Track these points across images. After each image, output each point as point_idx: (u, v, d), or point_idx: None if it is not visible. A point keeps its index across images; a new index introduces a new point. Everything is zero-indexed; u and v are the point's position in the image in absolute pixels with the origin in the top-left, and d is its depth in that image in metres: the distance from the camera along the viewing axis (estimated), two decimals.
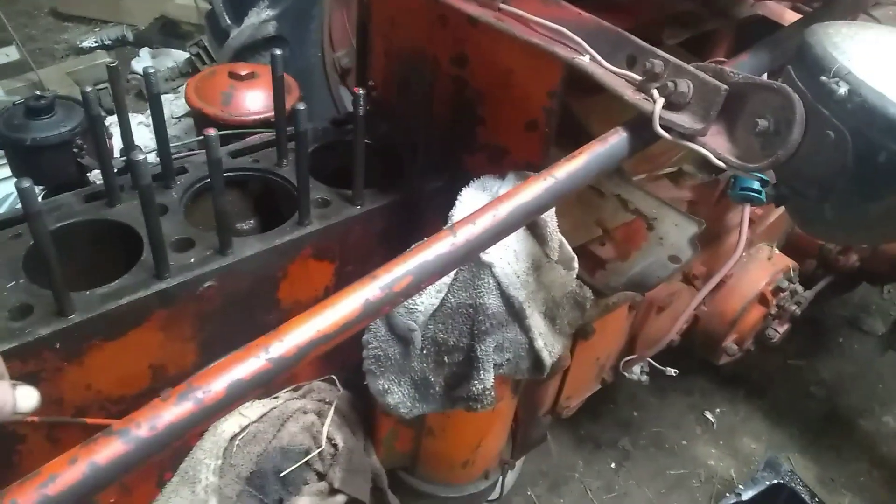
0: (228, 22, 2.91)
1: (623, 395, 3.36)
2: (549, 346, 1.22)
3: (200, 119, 1.67)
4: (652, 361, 1.97)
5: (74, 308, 1.08)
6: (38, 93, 1.36)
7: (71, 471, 0.58)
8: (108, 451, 0.59)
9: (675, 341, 2.12)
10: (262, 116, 1.65)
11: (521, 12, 1.09)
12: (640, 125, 0.90)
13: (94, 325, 1.10)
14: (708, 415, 3.27)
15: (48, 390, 1.12)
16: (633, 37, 0.98)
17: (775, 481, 2.38)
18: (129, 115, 1.29)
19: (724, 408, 3.32)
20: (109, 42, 4.82)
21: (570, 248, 1.28)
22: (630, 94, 0.93)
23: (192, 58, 4.26)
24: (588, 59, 1.00)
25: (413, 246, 0.77)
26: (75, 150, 1.36)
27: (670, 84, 0.88)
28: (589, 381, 1.94)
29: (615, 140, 0.89)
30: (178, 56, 4.34)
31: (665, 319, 2.00)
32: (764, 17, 1.63)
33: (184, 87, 3.44)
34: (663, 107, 0.88)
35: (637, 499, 2.94)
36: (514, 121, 1.28)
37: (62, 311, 1.07)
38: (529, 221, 0.95)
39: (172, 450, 1.33)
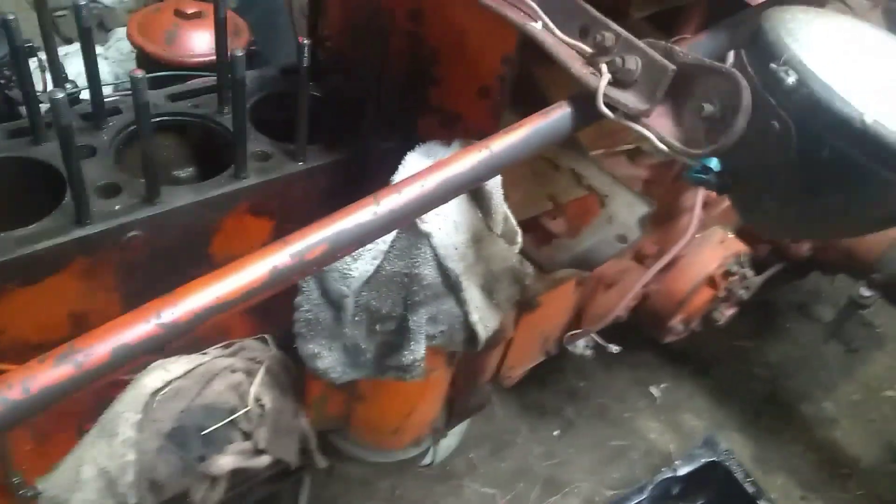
0: None
1: (571, 365, 3.39)
2: (484, 320, 1.20)
3: (142, 57, 1.59)
4: (596, 337, 1.98)
5: None
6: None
7: None
8: None
9: (623, 317, 2.13)
10: (206, 59, 1.57)
11: None
12: (584, 101, 0.86)
13: (8, 268, 1.04)
14: (652, 389, 3.33)
15: None
16: (587, 6, 0.93)
17: (711, 458, 2.43)
18: (93, 46, 1.21)
19: (669, 384, 3.37)
20: None
21: (514, 223, 1.25)
22: (577, 67, 0.89)
23: None
24: (540, 26, 0.95)
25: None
26: (2, 81, 1.28)
27: (618, 60, 0.85)
28: (532, 353, 1.94)
29: (558, 115, 0.85)
30: None
31: (613, 296, 2.00)
32: None
33: None
34: (609, 83, 0.85)
35: (577, 467, 2.99)
36: (467, 85, 1.23)
37: None
38: (461, 194, 0.92)
39: (94, 399, 1.30)
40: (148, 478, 1.21)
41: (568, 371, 3.38)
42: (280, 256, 0.68)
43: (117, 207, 1.14)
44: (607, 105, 0.85)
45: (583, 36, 0.95)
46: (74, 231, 1.09)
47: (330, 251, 0.70)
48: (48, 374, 0.57)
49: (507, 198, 1.23)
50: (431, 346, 1.19)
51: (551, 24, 0.96)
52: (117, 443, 1.18)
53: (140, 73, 1.00)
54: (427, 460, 1.70)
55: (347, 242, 0.71)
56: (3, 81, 1.28)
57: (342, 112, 1.46)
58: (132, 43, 1.58)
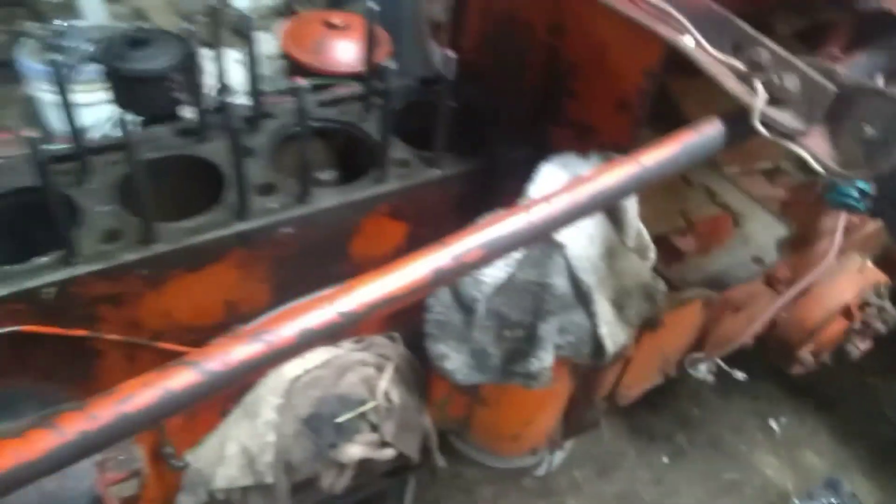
0: None
1: (685, 391, 3.28)
2: (613, 334, 1.20)
3: (292, 64, 1.70)
4: (720, 362, 1.91)
5: (160, 238, 1.14)
6: (139, 24, 1.41)
7: (146, 393, 0.61)
8: (181, 379, 0.62)
9: (748, 344, 2.04)
10: (352, 68, 1.66)
11: None
12: (738, 118, 0.86)
13: (176, 256, 1.16)
14: (772, 423, 3.17)
15: (129, 313, 1.19)
16: (741, 22, 0.92)
17: (833, 501, 2.29)
18: (226, 51, 1.32)
19: (790, 418, 3.20)
20: None
21: (648, 238, 1.24)
22: (731, 84, 0.88)
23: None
24: (691, 42, 0.95)
25: (485, 217, 0.77)
26: (171, 84, 1.41)
27: (775, 78, 0.84)
28: (651, 373, 1.91)
29: (710, 131, 0.85)
30: None
31: (740, 320, 1.92)
32: (890, 13, 1.50)
33: (277, 25, 3.48)
34: (765, 101, 0.84)
35: (686, 496, 2.89)
36: (605, 98, 1.25)
37: (149, 239, 1.13)
38: (608, 207, 0.93)
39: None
40: (284, 459, 1.29)
41: (681, 396, 3.27)
42: (442, 257, 0.72)
43: (273, 205, 1.24)
44: (763, 123, 0.84)
45: (735, 52, 0.94)
46: (236, 225, 1.19)
47: (485, 255, 0.74)
48: (243, 349, 0.64)
49: (639, 211, 1.23)
50: (558, 356, 1.20)
51: (703, 40, 0.96)
52: (259, 424, 1.26)
53: (304, 83, 1.08)
54: (541, 471, 1.70)
55: (501, 248, 0.75)
56: (172, 85, 1.41)
57: (475, 122, 1.51)
58: (284, 51, 1.70)
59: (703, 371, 1.93)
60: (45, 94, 3.28)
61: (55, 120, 3.34)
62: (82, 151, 1.21)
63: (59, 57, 3.23)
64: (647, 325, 1.67)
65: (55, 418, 0.59)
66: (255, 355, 0.64)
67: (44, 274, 1.08)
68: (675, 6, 0.99)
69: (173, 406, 0.62)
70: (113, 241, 1.14)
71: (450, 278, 0.73)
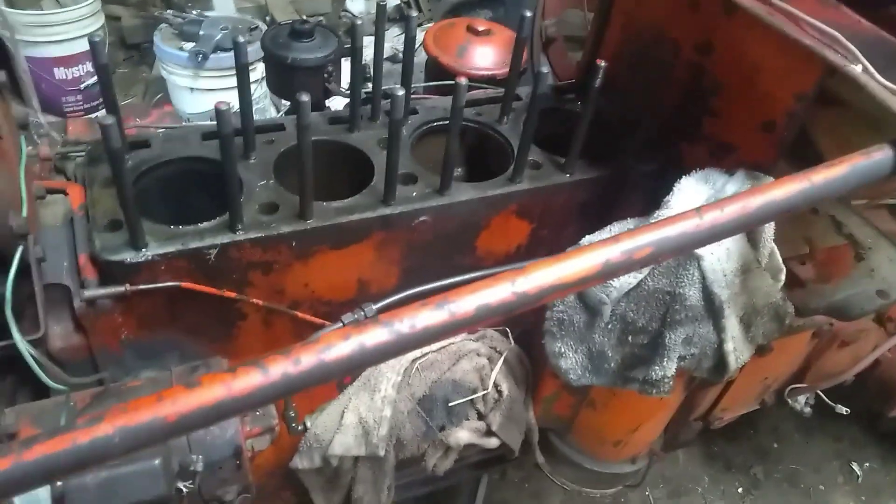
0: None
1: (765, 424, 3.22)
2: (738, 350, 1.21)
3: (434, 66, 1.78)
4: (822, 395, 1.88)
5: (313, 215, 1.22)
6: (304, 17, 1.51)
7: (344, 344, 0.67)
8: (374, 336, 0.68)
9: (848, 381, 2.00)
10: (490, 72, 1.72)
11: (793, 10, 1.06)
12: None
13: (325, 232, 1.24)
14: (855, 466, 3.07)
15: (276, 280, 1.28)
16: None
17: None
18: (413, 55, 1.40)
19: (875, 464, 3.09)
20: None
21: (780, 259, 1.25)
22: None
23: (402, 4, 4.44)
24: (860, 69, 0.96)
25: (656, 217, 0.80)
26: (325, 74, 1.50)
27: None
28: (749, 399, 1.89)
29: (879, 156, 0.86)
30: (388, 1, 4.53)
31: (846, 356, 1.89)
32: None
33: (390, 30, 3.58)
34: None
35: None
36: (749, 119, 1.26)
37: (303, 214, 1.21)
38: (774, 220, 0.95)
39: None
40: (396, 435, 1.35)
41: (761, 429, 3.20)
42: (613, 251, 0.76)
43: (414, 194, 1.30)
44: None
45: None
46: (381, 209, 1.26)
47: (654, 253, 0.77)
48: (429, 315, 0.69)
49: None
50: (680, 367, 1.22)
51: (871, 68, 0.97)
52: (378, 398, 1.33)
53: (463, 80, 1.14)
54: (634, 481, 1.72)
55: (670, 248, 0.78)
56: (325, 75, 1.50)
57: (607, 132, 1.54)
58: (428, 53, 1.78)
59: (801, 403, 1.90)
60: (176, 77, 3.49)
61: (182, 101, 3.56)
62: (248, 129, 1.30)
63: (192, 44, 3.44)
64: (758, 350, 1.67)
65: (264, 359, 0.66)
66: (438, 322, 0.70)
67: (208, 236, 1.17)
68: (844, 33, 1.00)
69: (366, 359, 0.68)
70: (270, 213, 1.22)
71: (618, 271, 0.77)
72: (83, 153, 1.31)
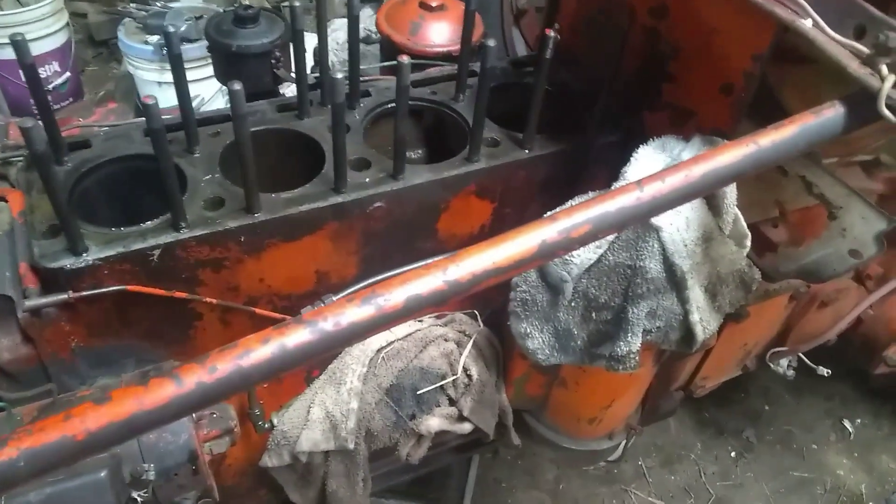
0: None
1: (755, 387, 3.22)
2: (704, 321, 1.18)
3: (387, 45, 1.73)
4: (802, 357, 1.86)
5: (260, 208, 1.18)
6: (246, 2, 1.46)
7: (263, 349, 0.64)
8: (296, 337, 0.65)
9: (831, 341, 1.98)
10: (444, 49, 1.67)
11: None
12: (860, 102, 0.83)
13: (275, 225, 1.20)
14: (846, 423, 3.08)
15: (228, 278, 1.24)
16: (866, 4, 0.88)
17: None
18: (358, 39, 1.35)
19: (867, 420, 3.10)
20: None
21: (744, 225, 1.21)
22: (855, 67, 0.85)
23: None
24: (810, 24, 0.92)
25: (594, 195, 0.77)
26: (273, 60, 1.45)
27: None
28: (730, 365, 1.87)
29: (830, 114, 0.82)
30: None
31: (826, 316, 1.86)
32: None
33: (363, 10, 3.51)
34: (893, 84, 0.80)
35: (753, 492, 2.84)
36: (707, 82, 1.22)
37: (250, 208, 1.17)
38: (720, 188, 0.91)
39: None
40: (365, 427, 1.32)
41: (751, 392, 3.20)
42: (548, 231, 0.72)
43: (367, 180, 1.26)
44: (889, 107, 0.80)
45: (858, 36, 0.90)
46: (332, 198, 1.22)
47: (593, 231, 0.74)
48: (355, 311, 0.66)
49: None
50: (646, 341, 1.19)
51: (822, 23, 0.92)
52: (344, 391, 1.30)
53: (406, 59, 1.10)
54: (615, 456, 1.70)
55: (609, 224, 0.74)
56: (273, 61, 1.45)
57: (567, 104, 1.50)
58: (380, 32, 1.73)
59: (783, 366, 1.88)
60: (142, 72, 3.42)
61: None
62: (189, 122, 1.26)
63: (156, 37, 3.37)
64: (732, 316, 1.64)
65: (176, 369, 0.63)
66: (365, 318, 0.67)
67: (151, 237, 1.13)
68: None
69: (288, 362, 0.65)
70: (216, 209, 1.18)
71: (556, 252, 0.73)
72: (22, 160, 1.26)
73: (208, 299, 1.22)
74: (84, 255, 1.09)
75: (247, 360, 0.63)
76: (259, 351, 0.64)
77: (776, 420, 3.12)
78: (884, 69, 0.82)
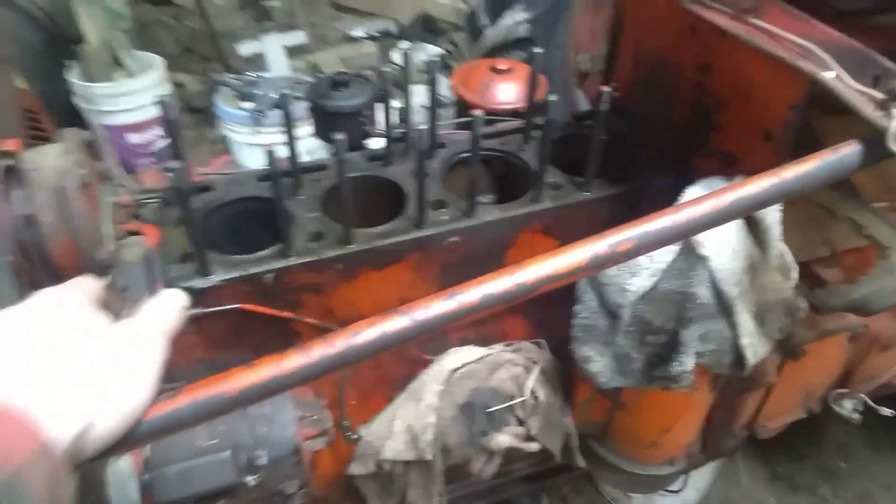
0: (485, 21, 3.21)
1: (831, 443, 3.16)
2: (754, 345, 1.29)
3: (460, 104, 1.94)
4: (866, 398, 1.89)
5: (355, 240, 1.37)
6: (340, 70, 1.70)
7: (370, 330, 0.81)
8: (395, 324, 0.82)
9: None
10: (512, 106, 1.87)
11: (770, 27, 1.17)
12: (874, 140, 0.95)
13: (366, 255, 1.39)
14: None
15: (325, 301, 1.43)
16: (881, 57, 1.02)
17: None
18: (435, 98, 1.57)
19: None
20: (376, 34, 5.42)
21: (791, 259, 1.32)
22: (869, 111, 0.98)
23: (445, 53, 4.67)
24: (833, 75, 1.06)
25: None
26: (362, 119, 1.68)
27: None
28: (793, 406, 1.91)
29: (847, 151, 0.95)
30: (432, 50, 4.78)
31: (889, 358, 1.90)
32: None
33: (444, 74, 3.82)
34: None
35: None
36: (751, 130, 1.35)
37: (346, 240, 1.37)
38: (748, 214, 1.04)
39: (403, 373, 1.60)
40: (442, 440, 1.46)
41: (828, 448, 3.14)
42: (599, 245, 0.88)
43: (444, 217, 1.45)
44: None
45: (874, 84, 1.03)
46: (414, 232, 1.41)
47: (636, 246, 0.88)
48: (440, 305, 0.82)
49: (785, 240, 1.31)
50: (699, 363, 1.30)
51: (844, 74, 1.06)
52: (422, 406, 1.45)
53: (480, 112, 1.29)
54: (676, 487, 1.77)
55: (650, 242, 0.89)
56: (362, 119, 1.68)
57: (623, 153, 1.66)
58: (454, 92, 1.95)
59: (848, 408, 1.91)
60: (236, 135, 3.80)
61: (244, 156, 3.86)
62: (296, 170, 1.48)
63: (250, 104, 3.75)
64: (790, 355, 1.72)
65: (305, 343, 0.80)
66: (448, 311, 0.83)
67: (264, 263, 1.34)
68: (818, 45, 1.10)
69: (388, 343, 0.81)
70: (318, 241, 1.39)
71: (604, 264, 0.88)
72: (156, 199, 1.51)
73: (308, 319, 1.41)
74: (211, 276, 1.30)
75: (358, 338, 0.80)
76: (367, 332, 0.81)
77: (854, 477, 3.04)
78: (894, 111, 0.95)
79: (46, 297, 0.73)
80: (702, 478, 2.74)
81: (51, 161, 1.19)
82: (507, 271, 0.85)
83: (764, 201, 0.93)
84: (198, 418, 0.76)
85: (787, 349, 1.67)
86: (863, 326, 1.76)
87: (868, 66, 1.04)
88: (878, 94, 1.00)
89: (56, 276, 1.20)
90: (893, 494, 2.94)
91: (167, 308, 0.82)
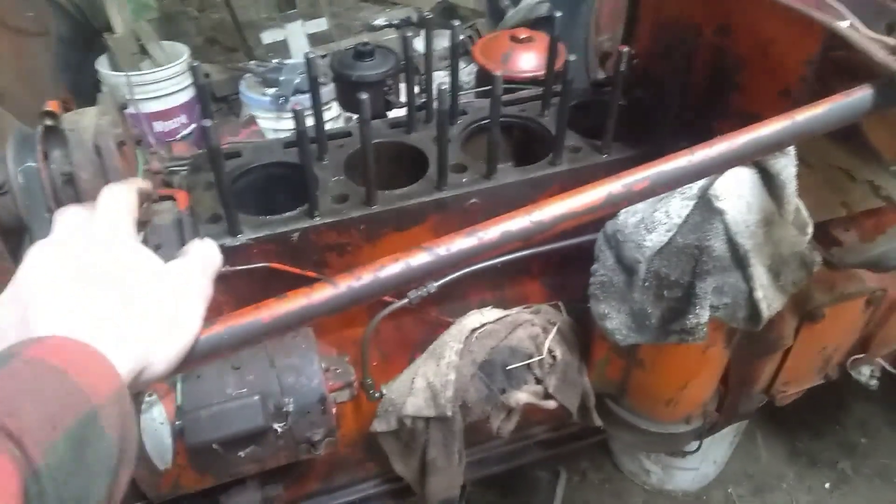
0: (507, 2, 3.24)
1: (851, 420, 3.16)
2: (768, 298, 1.31)
3: (482, 73, 1.97)
4: (884, 363, 1.89)
5: (377, 201, 1.41)
6: (364, 40, 1.74)
7: (394, 265, 0.85)
8: (418, 258, 0.85)
9: None
10: (532, 74, 1.90)
11: None
12: (886, 84, 0.97)
13: (389, 216, 1.43)
14: None
15: (349, 261, 1.48)
16: (895, 4, 1.03)
17: None
18: (457, 68, 1.61)
19: None
20: (397, 22, 5.47)
21: (806, 215, 1.34)
22: (882, 56, 1.00)
23: (465, 39, 4.70)
24: (847, 24, 1.08)
25: None
26: (385, 88, 1.71)
27: None
28: (811, 371, 1.92)
29: (859, 94, 0.96)
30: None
31: None
32: None
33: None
34: None
35: None
36: (768, 88, 1.37)
37: (369, 201, 1.41)
38: (762, 156, 1.06)
39: (423, 335, 1.64)
40: (461, 397, 1.50)
41: (848, 425, 3.14)
42: (615, 185, 0.91)
43: (464, 180, 1.48)
44: None
45: (888, 32, 1.05)
46: (435, 194, 1.45)
47: (651, 186, 0.91)
48: (463, 241, 0.86)
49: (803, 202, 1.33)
50: (714, 317, 1.32)
51: (857, 22, 1.08)
52: (443, 364, 1.49)
53: (499, 73, 1.32)
54: (691, 447, 1.79)
55: (665, 181, 0.92)
56: (386, 88, 1.71)
57: (642, 118, 1.68)
58: (476, 62, 1.98)
59: (865, 374, 1.92)
60: (261, 121, 3.86)
61: None
62: (321, 135, 1.53)
63: (274, 89, 3.82)
64: (807, 317, 1.73)
65: (335, 278, 0.84)
66: (469, 247, 0.87)
67: (291, 223, 1.38)
68: None
69: (411, 276, 0.85)
70: (342, 202, 1.43)
71: (620, 203, 0.91)
72: (186, 167, 1.56)
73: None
74: (239, 235, 1.35)
75: (383, 273, 0.84)
76: (391, 267, 0.85)
77: (874, 453, 3.04)
78: None
79: (90, 225, 0.76)
80: (720, 451, 2.76)
81: (88, 121, 1.24)
82: (524, 210, 0.88)
83: (777, 143, 0.95)
84: (236, 344, 0.80)
85: (805, 311, 1.69)
86: (881, 291, 1.77)
87: (882, 15, 1.05)
88: (891, 41, 1.02)
89: None
90: None
91: (208, 251, 0.85)
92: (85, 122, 1.24)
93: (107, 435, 0.56)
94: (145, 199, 0.87)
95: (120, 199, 0.82)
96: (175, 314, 0.73)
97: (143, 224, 1.30)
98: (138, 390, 0.70)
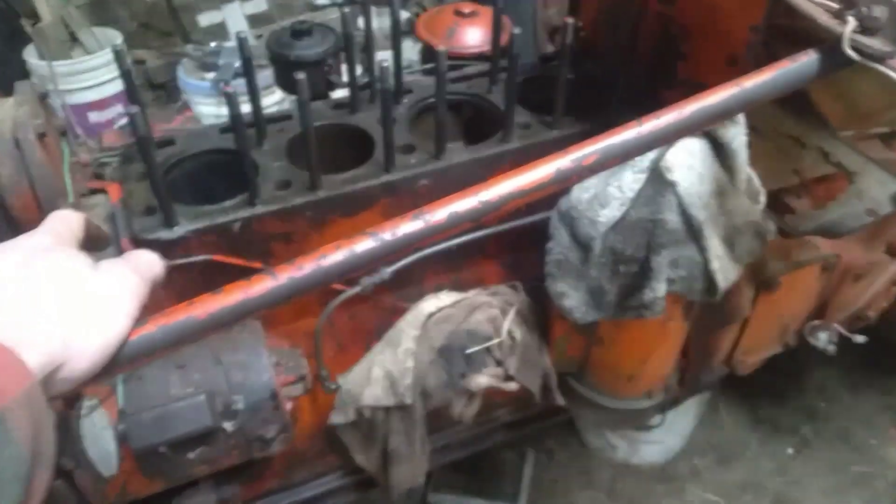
0: None
1: (811, 385, 3.22)
2: (724, 269, 1.29)
3: (427, 50, 1.92)
4: (840, 328, 1.92)
5: (322, 186, 1.36)
6: (301, 18, 1.67)
7: (337, 253, 0.80)
8: (363, 245, 0.81)
9: (872, 318, 2.03)
10: (478, 50, 1.85)
11: None
12: (830, 48, 0.95)
13: (335, 201, 1.37)
14: None
15: (296, 250, 1.42)
16: None
17: None
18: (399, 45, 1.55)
19: None
20: (340, 1, 5.33)
21: (758, 184, 1.33)
22: (825, 19, 0.98)
23: (412, 16, 4.62)
24: None
25: None
26: (326, 68, 1.65)
27: (864, 9, 0.93)
28: (770, 340, 1.94)
29: (805, 59, 0.94)
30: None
31: (861, 288, 1.93)
32: None
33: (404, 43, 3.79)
34: (855, 30, 0.93)
35: (812, 488, 2.83)
36: (715, 56, 1.35)
37: (314, 186, 1.35)
38: (711, 124, 1.04)
39: (379, 322, 1.59)
40: (421, 384, 1.47)
41: (807, 390, 3.20)
42: (563, 161, 0.87)
43: (413, 161, 1.43)
44: (853, 49, 0.93)
45: None
46: (383, 176, 1.40)
47: (600, 160, 0.88)
48: (409, 225, 0.82)
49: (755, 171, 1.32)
50: (671, 290, 1.30)
51: None
52: (400, 351, 1.45)
53: (443, 48, 1.27)
54: (656, 421, 1.79)
55: (614, 154, 0.89)
56: (327, 68, 1.65)
57: (591, 92, 1.64)
58: (419, 38, 1.93)
59: (822, 340, 1.94)
60: (201, 107, 3.74)
61: None
62: (260, 119, 1.46)
63: (212, 74, 3.69)
64: (764, 286, 1.73)
65: (273, 269, 0.79)
66: (415, 230, 0.82)
67: (231, 213, 1.32)
68: None
69: (356, 263, 0.80)
70: (285, 189, 1.37)
71: (569, 178, 0.87)
72: (117, 157, 1.48)
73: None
74: (176, 227, 1.28)
75: (325, 261, 0.79)
76: (334, 255, 0.80)
77: (834, 416, 3.10)
78: (849, 18, 0.95)
79: (24, 238, 0.72)
80: (684, 423, 2.78)
81: (4, 113, 1.16)
82: (472, 191, 0.84)
83: (726, 111, 0.93)
84: (171, 343, 0.74)
85: (761, 281, 1.69)
86: (835, 257, 1.78)
87: None
88: (835, 5, 1.00)
89: (17, 229, 1.17)
90: (871, 430, 3.01)
91: (148, 256, 0.81)
92: (1, 114, 1.16)
93: (14, 440, 0.53)
94: (94, 231, 0.83)
95: (65, 217, 0.78)
96: (99, 310, 0.69)
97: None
98: (60, 389, 0.65)
